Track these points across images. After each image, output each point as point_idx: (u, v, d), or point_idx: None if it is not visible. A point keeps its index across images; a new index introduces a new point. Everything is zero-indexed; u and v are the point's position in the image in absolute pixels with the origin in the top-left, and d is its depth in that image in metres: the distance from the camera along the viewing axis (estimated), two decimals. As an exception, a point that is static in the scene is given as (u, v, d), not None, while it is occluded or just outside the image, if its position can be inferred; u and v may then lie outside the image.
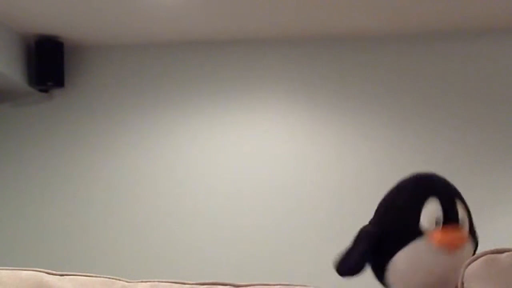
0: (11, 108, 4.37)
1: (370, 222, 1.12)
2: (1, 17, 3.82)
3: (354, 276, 1.07)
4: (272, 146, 4.18)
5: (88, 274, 1.23)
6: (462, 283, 0.93)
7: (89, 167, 4.27)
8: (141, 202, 4.21)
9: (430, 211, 1.00)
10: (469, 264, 0.94)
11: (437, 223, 0.98)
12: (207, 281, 1.24)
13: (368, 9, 3.74)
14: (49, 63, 4.16)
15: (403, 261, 0.99)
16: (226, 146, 4.21)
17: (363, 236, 1.07)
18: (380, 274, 1.06)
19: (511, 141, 4.01)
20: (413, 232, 0.99)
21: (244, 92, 4.24)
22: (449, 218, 0.99)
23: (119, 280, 1.23)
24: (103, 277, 1.23)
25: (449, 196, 1.01)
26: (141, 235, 4.18)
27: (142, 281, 1.23)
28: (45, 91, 4.29)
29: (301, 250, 4.00)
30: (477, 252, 1.00)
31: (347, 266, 1.07)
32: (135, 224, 4.20)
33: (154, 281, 1.23)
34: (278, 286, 1.20)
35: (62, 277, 1.21)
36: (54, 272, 1.22)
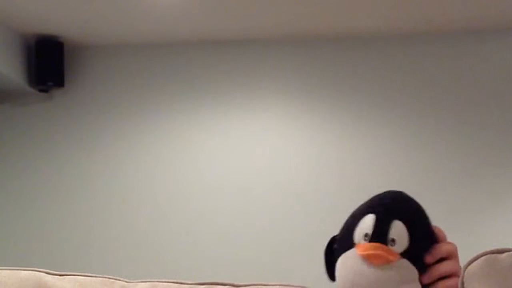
0: (11, 108, 4.37)
1: None
2: (1, 17, 3.82)
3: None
4: (272, 146, 4.18)
5: (87, 274, 1.22)
6: (462, 283, 0.93)
7: (89, 167, 4.27)
8: (141, 201, 4.21)
9: (362, 226, 1.03)
10: (469, 264, 0.94)
11: (365, 237, 1.02)
12: (206, 281, 1.24)
13: (368, 9, 3.74)
14: (49, 63, 4.16)
15: (338, 268, 1.04)
16: (226, 146, 4.21)
17: (326, 246, 1.12)
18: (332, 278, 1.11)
19: None
20: (348, 243, 1.03)
21: (244, 91, 4.24)
22: (378, 236, 1.01)
23: (119, 280, 1.23)
24: (102, 277, 1.23)
25: (386, 216, 1.04)
26: (141, 235, 4.18)
27: (141, 281, 1.23)
28: (45, 91, 4.29)
29: (301, 250, 3.99)
30: (476, 255, 1.00)
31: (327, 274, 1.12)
32: (134, 224, 4.19)
33: (153, 281, 1.23)
34: (277, 287, 1.20)
35: (62, 277, 1.21)
36: (53, 272, 1.22)
